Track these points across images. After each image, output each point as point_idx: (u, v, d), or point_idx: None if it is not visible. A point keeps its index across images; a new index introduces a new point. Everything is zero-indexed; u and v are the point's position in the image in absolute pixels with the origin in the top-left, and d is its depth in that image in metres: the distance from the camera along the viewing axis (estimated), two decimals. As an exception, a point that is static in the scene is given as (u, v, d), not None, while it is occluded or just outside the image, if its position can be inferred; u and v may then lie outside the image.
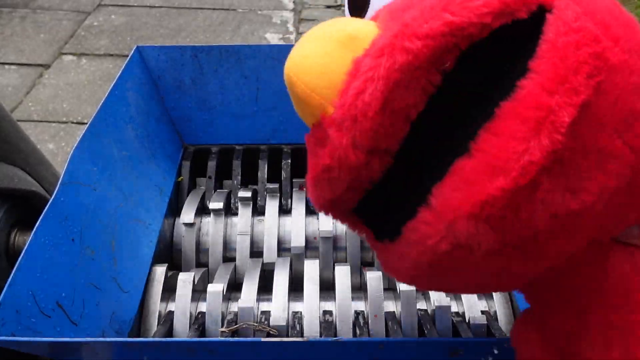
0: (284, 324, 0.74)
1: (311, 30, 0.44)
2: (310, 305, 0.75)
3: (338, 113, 0.38)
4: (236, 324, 0.74)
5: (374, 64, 0.36)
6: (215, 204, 0.92)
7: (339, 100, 0.38)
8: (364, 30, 0.39)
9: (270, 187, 0.96)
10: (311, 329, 0.74)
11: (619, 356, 0.39)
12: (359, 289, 0.86)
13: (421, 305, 0.79)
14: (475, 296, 0.78)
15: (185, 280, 0.78)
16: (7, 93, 2.36)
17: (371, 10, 0.59)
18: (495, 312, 0.78)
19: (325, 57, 0.40)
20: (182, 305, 0.76)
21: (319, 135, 0.43)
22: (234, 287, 0.85)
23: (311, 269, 0.81)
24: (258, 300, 0.78)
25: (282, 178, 0.99)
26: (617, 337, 0.39)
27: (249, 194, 0.93)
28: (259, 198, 0.97)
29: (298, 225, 0.90)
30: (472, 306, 0.76)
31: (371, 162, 0.38)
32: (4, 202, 0.78)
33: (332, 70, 0.40)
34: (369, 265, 0.90)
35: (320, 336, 0.73)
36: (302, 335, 0.73)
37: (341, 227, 0.93)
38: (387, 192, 0.39)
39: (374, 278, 0.76)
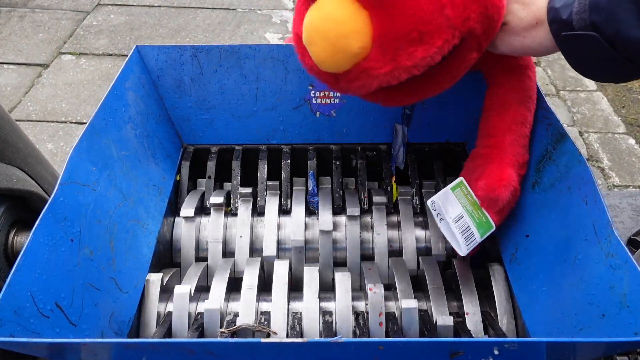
0: (284, 324, 0.74)
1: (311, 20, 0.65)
2: (310, 306, 0.75)
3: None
4: (235, 325, 0.73)
5: None
6: (215, 199, 0.92)
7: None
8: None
9: (270, 184, 0.96)
10: (311, 330, 0.74)
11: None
12: (359, 289, 0.86)
13: (421, 305, 0.79)
14: (475, 297, 0.77)
15: (183, 286, 0.78)
16: (5, 93, 2.36)
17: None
18: (496, 312, 0.78)
19: (342, 6, 0.62)
20: (180, 306, 0.76)
21: (362, 66, 0.66)
22: (233, 286, 0.85)
23: (310, 270, 0.81)
24: (257, 300, 0.78)
25: (282, 178, 0.99)
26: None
27: (249, 190, 0.94)
28: (258, 198, 0.97)
29: (298, 223, 0.90)
30: (472, 307, 0.76)
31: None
32: (3, 202, 0.78)
33: (354, 18, 0.63)
34: (370, 259, 0.90)
35: (320, 337, 0.73)
36: (301, 336, 0.73)
37: (341, 229, 0.93)
38: None
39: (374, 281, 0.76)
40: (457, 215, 0.78)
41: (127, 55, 0.91)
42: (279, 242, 0.90)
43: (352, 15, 0.64)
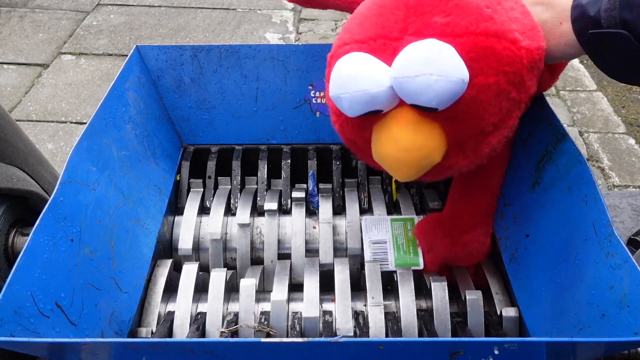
0: (284, 325, 0.74)
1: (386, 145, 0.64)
2: (310, 306, 0.75)
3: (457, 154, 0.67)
4: (236, 325, 0.73)
5: None
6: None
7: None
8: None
9: (272, 182, 0.97)
10: (311, 330, 0.74)
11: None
12: (359, 289, 0.86)
13: (421, 305, 0.79)
14: (476, 297, 0.77)
15: (187, 281, 0.78)
16: (5, 93, 2.36)
17: None
18: (496, 312, 0.78)
19: (418, 133, 0.62)
20: (182, 305, 0.76)
21: (442, 165, 0.67)
22: (233, 285, 0.85)
23: (310, 270, 0.81)
24: (257, 300, 0.78)
25: (282, 178, 0.99)
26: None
27: (253, 187, 0.94)
28: (258, 198, 0.97)
29: (298, 223, 0.90)
30: (473, 307, 0.76)
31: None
32: (3, 202, 0.78)
33: (430, 137, 0.63)
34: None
35: (320, 336, 0.73)
36: (301, 336, 0.73)
37: (341, 228, 0.93)
38: None
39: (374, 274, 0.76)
40: (378, 240, 0.84)
41: (127, 55, 0.91)
42: (279, 242, 0.90)
43: (427, 135, 0.63)
